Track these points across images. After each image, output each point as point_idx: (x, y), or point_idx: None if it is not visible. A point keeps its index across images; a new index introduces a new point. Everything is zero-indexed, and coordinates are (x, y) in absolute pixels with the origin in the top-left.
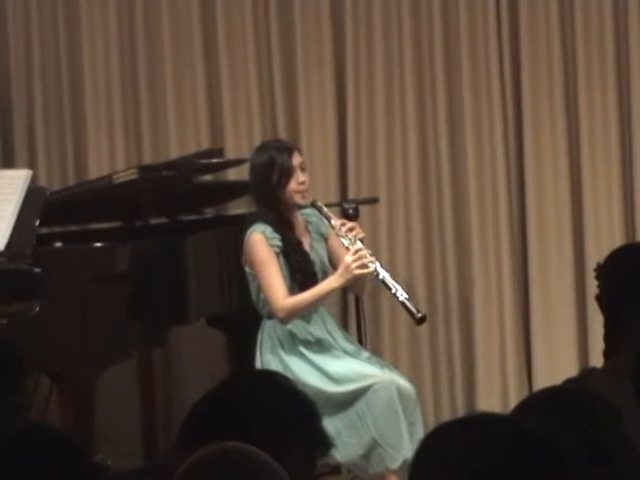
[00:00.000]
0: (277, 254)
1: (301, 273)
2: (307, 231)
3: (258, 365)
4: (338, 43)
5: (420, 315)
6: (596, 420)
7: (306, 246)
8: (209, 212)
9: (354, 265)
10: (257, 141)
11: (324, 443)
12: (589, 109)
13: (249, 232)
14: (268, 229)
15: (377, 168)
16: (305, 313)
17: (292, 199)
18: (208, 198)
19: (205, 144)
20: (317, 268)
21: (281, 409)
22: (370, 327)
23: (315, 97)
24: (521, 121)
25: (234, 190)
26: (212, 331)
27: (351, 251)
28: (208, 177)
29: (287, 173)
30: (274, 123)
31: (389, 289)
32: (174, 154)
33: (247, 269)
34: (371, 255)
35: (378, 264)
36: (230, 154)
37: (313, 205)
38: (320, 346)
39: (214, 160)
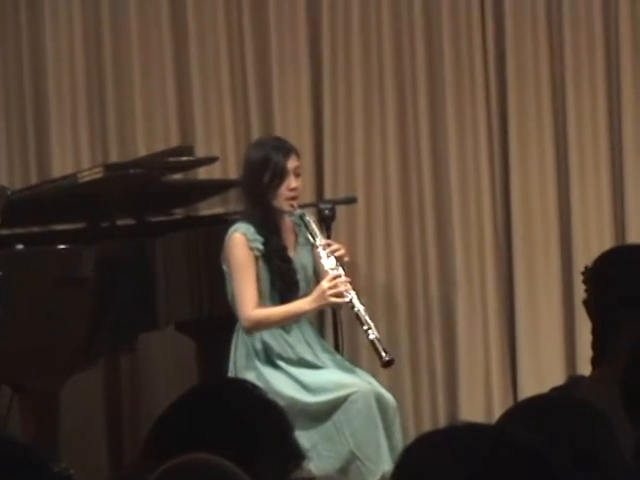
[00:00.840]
0: (256, 258)
1: (282, 280)
2: (294, 234)
3: (231, 371)
4: (314, 37)
5: (387, 359)
6: (586, 429)
7: (291, 251)
8: (179, 213)
9: (330, 292)
10: (229, 139)
11: (297, 455)
12: (577, 107)
13: (231, 230)
14: (251, 230)
15: (355, 167)
16: (270, 328)
17: (280, 204)
18: (178, 198)
19: (175, 141)
20: (300, 276)
21: (250, 419)
22: (347, 333)
23: (290, 94)
24: (506, 119)
25: (205, 190)
26: (182, 337)
27: (329, 276)
28: (178, 176)
29: (280, 175)
30: (247, 121)
31: (361, 324)
32: (142, 152)
33: (225, 268)
34: (350, 284)
35: (355, 295)
36: (201, 152)
37: (301, 219)
38: (294, 353)
39: (184, 158)
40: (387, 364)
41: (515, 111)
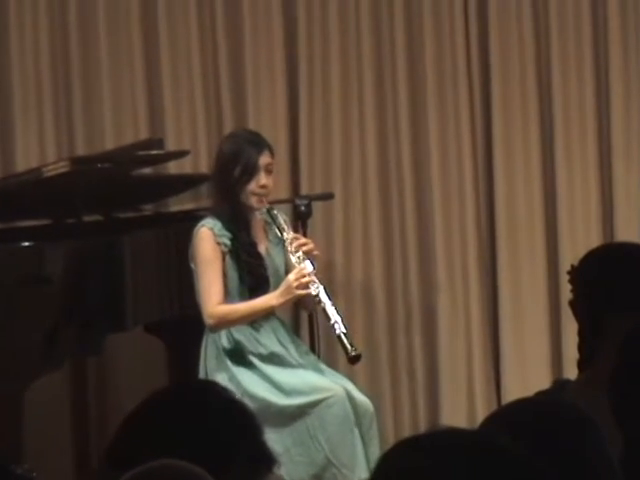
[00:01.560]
0: (224, 253)
1: (251, 276)
2: (265, 231)
3: (202, 372)
4: (290, 27)
5: (354, 353)
6: (571, 433)
7: (261, 248)
8: (148, 209)
9: (296, 285)
10: (200, 132)
11: (267, 459)
12: (564, 98)
13: (198, 225)
14: (218, 225)
15: (332, 162)
16: (237, 325)
17: (248, 200)
18: (147, 194)
19: (144, 134)
20: (270, 273)
21: (219, 422)
22: (324, 335)
23: (265, 84)
24: (490, 113)
25: (175, 185)
26: (151, 339)
27: (296, 270)
28: (147, 170)
29: (250, 171)
30: (219, 113)
31: (327, 319)
32: (110, 145)
33: (192, 266)
34: (318, 278)
35: (322, 289)
36: (171, 145)
37: (269, 212)
38: (267, 352)
39: (153, 152)
40: (354, 359)
41: (499, 105)
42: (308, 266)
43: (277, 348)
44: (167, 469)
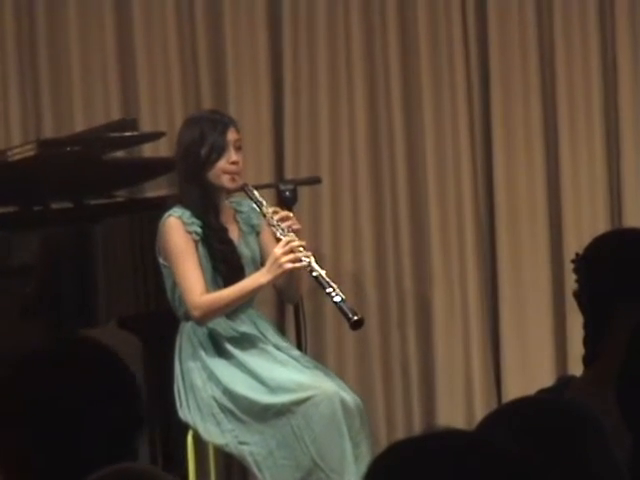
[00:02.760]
0: (196, 242)
1: (225, 264)
2: (236, 222)
3: (177, 374)
4: (273, 4)
5: (356, 318)
6: (574, 434)
7: (233, 236)
8: (121, 195)
9: (284, 259)
10: (177, 112)
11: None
12: (568, 79)
13: (165, 216)
14: (187, 213)
15: (319, 143)
16: (225, 313)
17: (219, 180)
18: (120, 178)
19: (116, 114)
20: (245, 262)
21: (86, 380)
22: (311, 330)
23: (246, 60)
24: (488, 88)
25: (151, 169)
26: (125, 334)
27: (282, 242)
28: (120, 153)
29: (218, 149)
30: (198, 91)
31: (323, 288)
32: (79, 127)
33: (161, 260)
34: (305, 248)
35: (312, 258)
36: (146, 126)
37: (243, 189)
38: (249, 342)
39: (127, 133)
40: (356, 324)
41: (498, 81)
42: (294, 238)
43: (257, 338)
44: (129, 472)
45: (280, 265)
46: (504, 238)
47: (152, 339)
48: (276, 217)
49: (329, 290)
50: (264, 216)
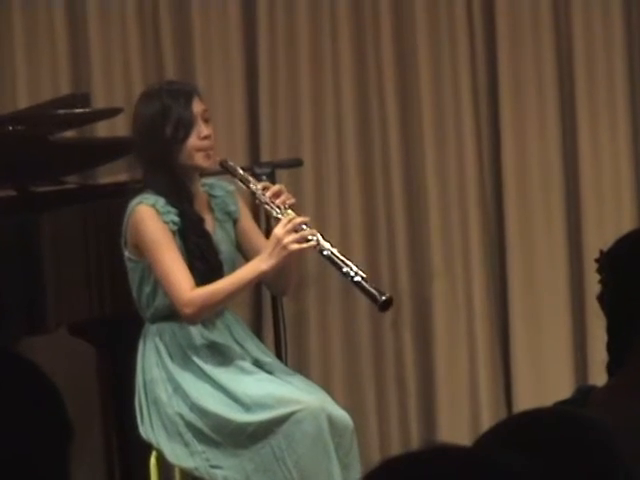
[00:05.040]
0: (173, 232)
1: (202, 261)
2: (210, 209)
3: (139, 385)
4: None
5: (384, 298)
6: (595, 453)
7: (209, 226)
8: (72, 181)
9: (288, 238)
10: (136, 85)
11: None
12: (587, 56)
13: (133, 205)
14: (160, 201)
15: (299, 120)
16: (221, 308)
17: (192, 159)
18: (70, 162)
19: (65, 89)
20: (223, 258)
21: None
22: (292, 335)
23: (215, 24)
24: (494, 55)
25: (106, 151)
26: (77, 342)
27: (283, 221)
28: (70, 133)
29: (186, 124)
30: (159, 60)
31: (339, 268)
32: (23, 103)
33: (127, 254)
34: (309, 225)
35: (320, 236)
36: (99, 102)
37: (222, 166)
38: (221, 355)
39: (78, 110)
40: (385, 305)
41: (505, 46)
42: (293, 214)
43: (233, 350)
44: None
45: (284, 247)
46: (515, 233)
47: (108, 347)
48: (268, 194)
49: (346, 270)
50: (253, 194)
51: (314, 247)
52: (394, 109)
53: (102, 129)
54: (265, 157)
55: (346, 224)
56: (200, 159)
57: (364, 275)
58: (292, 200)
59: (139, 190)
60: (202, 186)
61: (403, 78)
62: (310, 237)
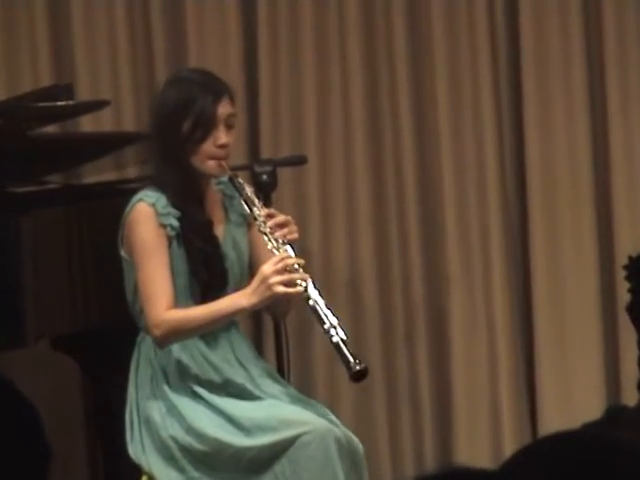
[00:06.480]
0: (170, 238)
1: (206, 268)
2: (223, 209)
3: (131, 400)
4: None
5: (358, 368)
6: (627, 477)
7: (218, 230)
8: (54, 181)
9: (275, 279)
10: (124, 76)
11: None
12: (618, 43)
13: (135, 199)
14: (162, 200)
15: (304, 115)
16: (191, 337)
17: (202, 165)
18: (52, 160)
19: (47, 80)
20: (229, 264)
21: None
22: (295, 348)
23: (210, 12)
24: (518, 55)
25: (92, 147)
26: (60, 358)
27: (274, 259)
28: (51, 128)
29: (206, 124)
30: (149, 49)
31: (321, 322)
32: (0, 95)
33: (123, 253)
34: (303, 268)
35: (310, 282)
36: (84, 94)
37: (231, 181)
38: (226, 389)
39: (60, 103)
40: (358, 376)
41: (529, 28)
42: (290, 253)
43: (236, 375)
44: None
45: (269, 287)
46: (539, 238)
47: (92, 363)
48: (270, 223)
49: (327, 326)
50: (255, 220)
51: (300, 294)
52: (407, 101)
53: (87, 123)
54: (266, 154)
55: (354, 227)
56: (210, 167)
57: (344, 337)
58: (294, 236)
59: (135, 189)
60: (217, 184)
61: (417, 66)
62: (299, 281)
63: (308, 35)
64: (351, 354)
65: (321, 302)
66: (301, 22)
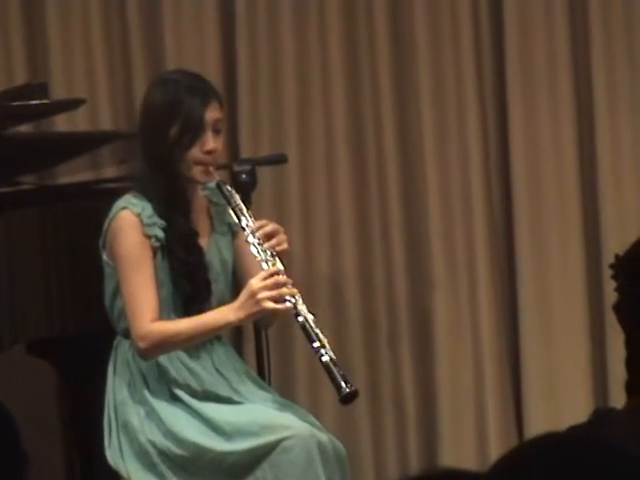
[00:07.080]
0: (154, 249)
1: (189, 280)
2: (208, 217)
3: (109, 403)
4: None
5: (349, 390)
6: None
7: (202, 240)
8: (28, 182)
9: (264, 294)
10: (100, 73)
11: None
12: (604, 50)
13: (118, 206)
14: (147, 209)
15: (284, 112)
16: (177, 350)
17: (189, 171)
18: (26, 160)
19: (21, 78)
20: (213, 276)
21: None
22: (275, 351)
23: (188, 7)
24: (503, 62)
25: (67, 147)
26: (36, 362)
27: (263, 274)
28: (25, 127)
29: (193, 129)
30: (125, 47)
31: (310, 340)
32: None
33: (105, 257)
34: (291, 283)
35: (300, 298)
36: (59, 92)
37: (219, 188)
38: (207, 396)
39: (34, 101)
40: (349, 398)
41: (514, 29)
42: (280, 267)
43: (216, 385)
44: None
45: (258, 302)
46: (525, 238)
47: (69, 367)
48: (259, 233)
49: (317, 345)
50: (243, 230)
51: (289, 310)
52: (389, 99)
53: (62, 123)
54: (245, 153)
55: (335, 227)
56: (197, 173)
57: (333, 357)
58: (284, 247)
59: (113, 191)
60: (203, 189)
61: (399, 63)
62: (289, 297)
63: (287, 31)
64: (342, 375)
65: (310, 319)
66: (281, 24)
